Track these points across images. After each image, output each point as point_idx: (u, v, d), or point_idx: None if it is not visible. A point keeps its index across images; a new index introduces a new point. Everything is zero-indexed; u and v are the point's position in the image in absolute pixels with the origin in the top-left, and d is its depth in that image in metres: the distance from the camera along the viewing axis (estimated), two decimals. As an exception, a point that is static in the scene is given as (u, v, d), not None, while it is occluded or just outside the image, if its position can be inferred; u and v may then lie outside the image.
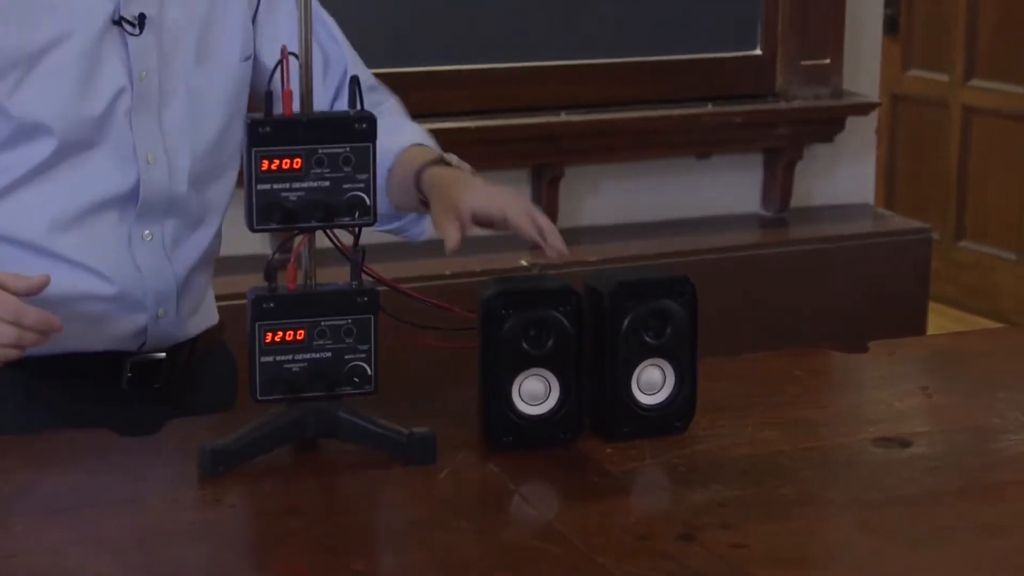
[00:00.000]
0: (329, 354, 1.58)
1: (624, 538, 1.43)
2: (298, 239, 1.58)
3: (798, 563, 1.43)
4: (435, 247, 1.77)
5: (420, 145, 1.82)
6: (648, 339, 1.66)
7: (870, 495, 1.55)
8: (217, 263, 1.90)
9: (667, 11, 3.53)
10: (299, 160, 1.55)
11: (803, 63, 3.63)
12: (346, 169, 1.56)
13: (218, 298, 1.94)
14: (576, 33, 3.47)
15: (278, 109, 1.55)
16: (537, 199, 3.43)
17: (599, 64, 3.50)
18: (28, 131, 1.69)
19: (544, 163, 3.45)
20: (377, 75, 1.93)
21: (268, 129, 1.54)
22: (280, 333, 1.57)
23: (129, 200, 1.75)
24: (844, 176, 3.78)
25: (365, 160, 1.57)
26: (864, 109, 3.72)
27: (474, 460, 1.61)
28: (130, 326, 1.77)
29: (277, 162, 1.54)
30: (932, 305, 3.79)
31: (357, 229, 1.60)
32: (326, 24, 1.88)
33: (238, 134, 1.79)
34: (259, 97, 1.69)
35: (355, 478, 1.57)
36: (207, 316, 1.89)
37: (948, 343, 2.24)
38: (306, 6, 1.56)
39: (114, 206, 1.74)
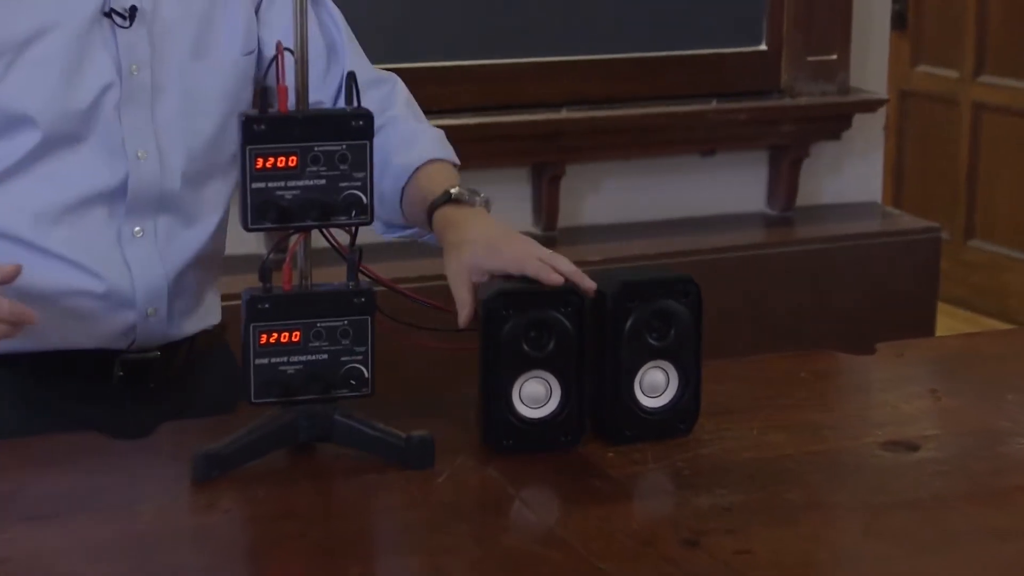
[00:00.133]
0: (325, 356, 1.57)
1: (626, 543, 1.43)
2: (293, 238, 1.57)
3: (804, 569, 1.42)
4: (434, 247, 1.76)
5: (436, 161, 1.79)
6: (651, 341, 1.64)
7: (877, 500, 1.54)
8: (216, 263, 1.89)
9: (670, 6, 3.52)
10: (295, 158, 1.54)
11: (809, 59, 3.61)
12: (343, 167, 1.55)
13: (217, 298, 1.92)
14: (578, 28, 3.45)
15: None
16: (537, 197, 3.42)
17: (601, 60, 3.48)
18: (12, 123, 1.69)
19: (545, 161, 3.43)
20: (376, 71, 1.91)
21: (263, 126, 1.53)
22: (275, 335, 1.55)
23: (118, 195, 1.74)
24: (851, 174, 3.76)
25: (362, 158, 1.56)
26: (872, 106, 3.70)
27: (473, 464, 1.60)
28: (119, 324, 1.76)
29: (272, 160, 1.53)
30: (941, 306, 3.78)
31: (353, 228, 1.58)
32: (333, 16, 1.86)
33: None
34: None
35: (351, 483, 1.56)
36: (207, 316, 1.88)
37: (957, 345, 2.24)
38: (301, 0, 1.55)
39: (102, 201, 1.73)
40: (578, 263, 1.66)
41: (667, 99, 3.50)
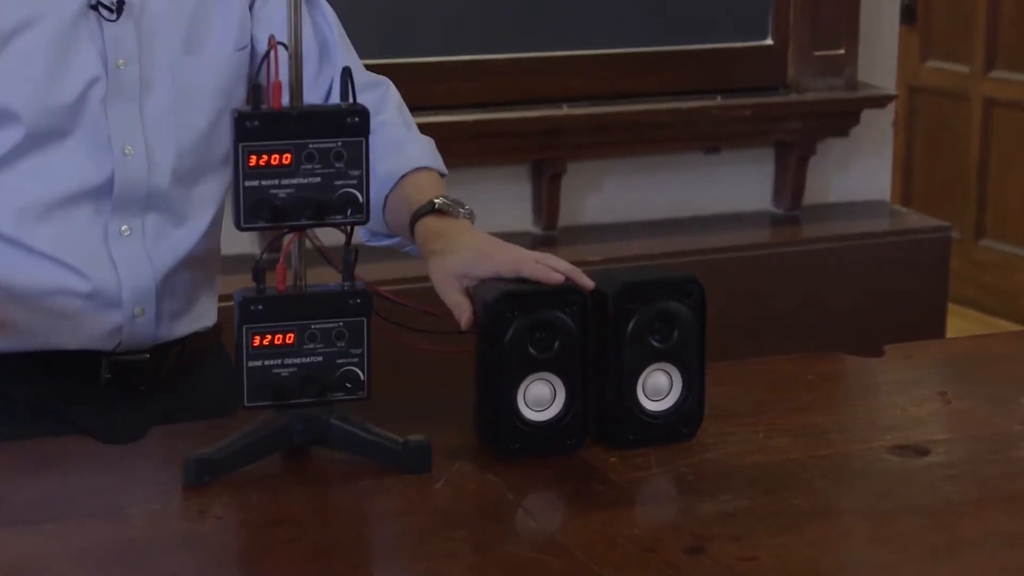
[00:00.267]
0: (320, 358, 1.55)
1: (629, 550, 1.42)
2: (287, 238, 1.55)
3: (810, 577, 1.41)
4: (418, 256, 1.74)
5: (423, 169, 1.77)
6: (654, 343, 1.63)
7: (885, 505, 1.53)
8: (209, 263, 1.87)
9: (672, -1, 3.50)
10: (288, 155, 1.52)
11: (816, 53, 3.60)
12: (338, 165, 1.54)
13: (211, 299, 1.91)
14: (578, 23, 3.45)
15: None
16: (538, 196, 3.41)
17: (603, 55, 3.47)
18: None
19: (545, 158, 3.43)
20: (372, 66, 1.89)
21: (256, 123, 1.51)
22: (268, 336, 1.54)
23: (104, 193, 1.72)
24: (859, 172, 3.76)
25: (358, 155, 1.54)
26: (880, 102, 3.69)
27: (472, 469, 1.59)
28: (105, 324, 1.74)
29: (266, 157, 1.52)
30: (951, 307, 3.78)
31: (349, 228, 1.57)
32: (327, 17, 1.85)
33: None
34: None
35: (347, 488, 1.55)
36: (200, 318, 1.86)
37: (967, 346, 2.23)
38: (295, -6, 1.53)
39: (88, 198, 1.72)
40: (579, 263, 1.66)
41: (670, 95, 3.50)
